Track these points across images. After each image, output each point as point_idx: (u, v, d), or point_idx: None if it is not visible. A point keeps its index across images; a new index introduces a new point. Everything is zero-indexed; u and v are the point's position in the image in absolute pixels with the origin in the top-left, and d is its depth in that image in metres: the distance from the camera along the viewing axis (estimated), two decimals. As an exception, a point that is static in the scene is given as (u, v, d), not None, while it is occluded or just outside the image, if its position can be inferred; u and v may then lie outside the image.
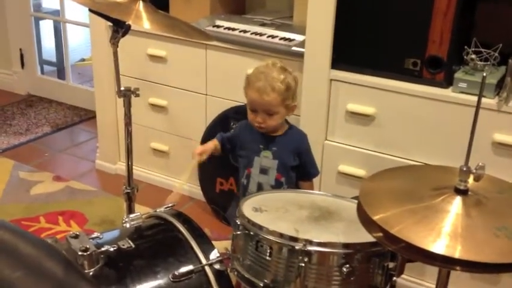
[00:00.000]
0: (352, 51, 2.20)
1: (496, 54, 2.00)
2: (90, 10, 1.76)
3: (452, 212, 1.19)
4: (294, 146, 1.91)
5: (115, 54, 1.89)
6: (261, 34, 2.51)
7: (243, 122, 1.99)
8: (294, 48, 2.37)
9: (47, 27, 4.40)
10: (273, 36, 2.48)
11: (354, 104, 2.21)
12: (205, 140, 2.69)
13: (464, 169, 1.21)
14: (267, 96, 1.80)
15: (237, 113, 2.55)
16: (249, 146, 1.93)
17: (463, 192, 1.22)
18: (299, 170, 1.93)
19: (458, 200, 1.21)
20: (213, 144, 1.99)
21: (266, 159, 1.89)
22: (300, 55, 2.30)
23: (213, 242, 1.60)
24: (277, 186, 1.88)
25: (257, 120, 1.85)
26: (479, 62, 2.03)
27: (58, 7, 4.03)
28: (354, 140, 2.25)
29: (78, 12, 4.08)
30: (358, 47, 2.19)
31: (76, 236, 1.50)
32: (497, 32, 2.11)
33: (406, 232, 1.13)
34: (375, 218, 1.19)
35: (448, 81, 2.06)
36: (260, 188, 1.88)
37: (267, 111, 1.83)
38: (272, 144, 1.89)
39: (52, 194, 2.91)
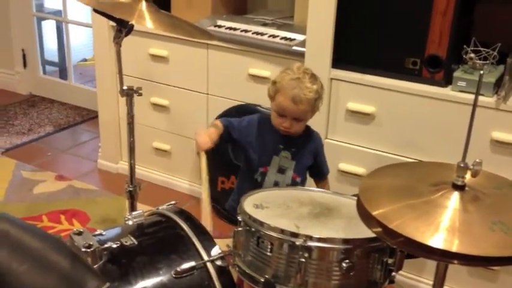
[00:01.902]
0: (352, 50, 2.22)
1: (495, 53, 2.02)
2: (95, 10, 1.78)
3: (450, 207, 1.21)
4: (312, 148, 1.95)
5: (118, 53, 1.91)
6: (262, 34, 2.53)
7: (254, 119, 1.96)
8: (294, 47, 2.39)
9: (49, 27, 4.43)
10: (274, 36, 2.50)
11: (354, 103, 2.23)
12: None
13: (462, 165, 1.23)
14: (302, 105, 1.81)
15: (238, 112, 2.57)
16: (267, 145, 1.92)
17: (460, 188, 1.24)
18: (313, 169, 1.98)
19: (455, 196, 1.23)
20: (217, 131, 1.90)
21: (285, 159, 1.91)
22: (301, 54, 2.32)
23: (215, 240, 1.62)
24: (293, 185, 1.91)
25: (285, 125, 1.86)
26: (478, 61, 2.05)
27: (60, 7, 4.06)
28: (354, 139, 2.27)
29: (80, 13, 4.11)
30: (359, 46, 2.21)
31: (79, 233, 1.52)
32: (496, 31, 2.13)
33: (405, 227, 1.15)
34: (375, 213, 1.21)
35: (447, 80, 2.08)
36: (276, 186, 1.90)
37: (296, 118, 1.85)
38: (292, 145, 1.91)
39: (54, 193, 2.93)
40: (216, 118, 2.64)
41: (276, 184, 1.91)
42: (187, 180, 2.95)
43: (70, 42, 4.08)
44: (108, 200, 2.89)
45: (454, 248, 1.10)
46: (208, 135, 1.89)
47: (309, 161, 1.95)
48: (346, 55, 2.22)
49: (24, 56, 4.22)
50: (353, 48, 2.22)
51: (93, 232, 1.59)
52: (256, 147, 1.93)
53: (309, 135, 1.95)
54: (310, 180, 2.02)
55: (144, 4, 1.83)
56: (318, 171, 2.00)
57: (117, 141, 3.14)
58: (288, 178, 1.92)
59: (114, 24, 1.88)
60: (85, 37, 4.64)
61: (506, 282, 2.08)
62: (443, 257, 1.12)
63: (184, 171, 2.94)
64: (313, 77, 1.85)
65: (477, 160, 1.23)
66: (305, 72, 1.85)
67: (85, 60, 4.77)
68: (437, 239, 1.12)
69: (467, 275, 2.14)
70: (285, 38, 2.47)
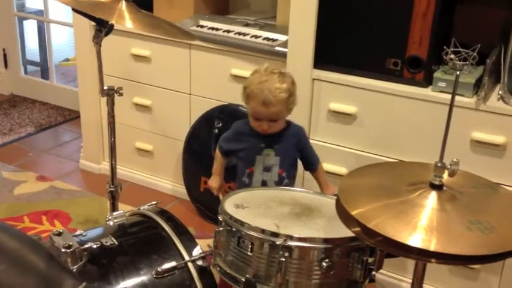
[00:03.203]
0: (334, 51, 2.23)
1: (475, 54, 2.03)
2: (74, 10, 1.77)
3: (428, 206, 1.22)
4: (295, 141, 1.96)
5: (98, 53, 1.90)
6: (244, 34, 2.53)
7: (234, 127, 2.02)
8: (277, 48, 2.40)
9: (30, 27, 4.39)
10: (256, 36, 2.50)
11: (336, 103, 2.24)
12: (189, 139, 2.71)
13: (439, 165, 1.24)
14: (274, 108, 1.83)
15: (221, 113, 2.57)
16: (250, 146, 1.95)
17: (438, 188, 1.25)
18: (303, 162, 2.01)
19: (433, 195, 1.24)
20: (219, 164, 2.05)
21: (268, 157, 1.93)
22: (283, 55, 2.33)
23: (198, 240, 1.62)
24: (280, 181, 1.92)
25: (263, 128, 1.88)
26: (458, 62, 2.06)
27: (42, 7, 4.03)
28: (336, 139, 2.28)
29: (61, 12, 4.08)
30: (340, 47, 2.22)
31: (59, 234, 1.51)
32: (475, 32, 2.15)
33: (383, 226, 1.16)
34: (353, 213, 1.22)
35: (427, 81, 2.10)
36: (264, 185, 1.91)
37: (272, 119, 1.87)
38: (274, 142, 1.92)
39: (36, 194, 2.91)
40: (199, 118, 2.65)
41: (264, 182, 1.92)
42: (170, 181, 2.94)
43: (51, 42, 4.05)
44: (90, 201, 2.87)
45: (432, 247, 1.11)
46: (214, 179, 2.06)
47: (294, 154, 1.96)
48: (328, 56, 2.23)
49: (5, 56, 4.18)
50: (335, 48, 2.23)
51: (73, 233, 1.59)
52: (241, 151, 1.97)
53: (290, 129, 1.96)
54: (298, 179, 2.04)
55: (124, 4, 1.82)
56: (308, 163, 2.02)
57: (100, 142, 3.12)
58: (274, 175, 1.92)
59: (94, 23, 1.87)
60: (67, 37, 4.61)
61: (486, 280, 2.11)
62: (421, 255, 1.14)
63: (167, 171, 2.93)
64: (282, 76, 1.86)
65: (454, 160, 1.24)
66: (272, 72, 1.86)
67: (67, 60, 4.73)
68: (415, 238, 1.13)
69: (449, 274, 2.16)
70: (267, 39, 2.47)
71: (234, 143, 1.99)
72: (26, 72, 4.30)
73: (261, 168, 1.93)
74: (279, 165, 1.92)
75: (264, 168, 1.93)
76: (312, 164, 2.03)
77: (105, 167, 3.11)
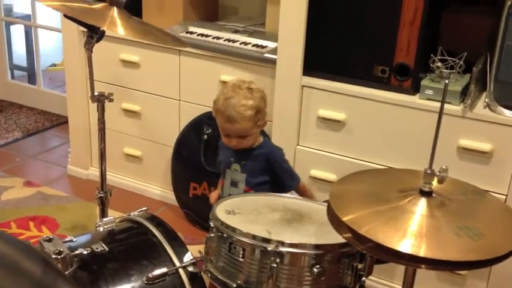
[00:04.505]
0: (323, 58, 2.25)
1: (461, 62, 2.07)
2: (66, 16, 1.77)
3: (418, 213, 1.24)
4: (263, 161, 1.91)
5: (89, 59, 1.90)
6: (233, 41, 2.54)
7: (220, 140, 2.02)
8: (266, 55, 2.41)
9: (17, 32, 4.37)
10: (245, 43, 2.52)
11: (325, 110, 2.26)
12: (178, 145, 2.71)
13: (429, 172, 1.26)
14: (239, 125, 1.83)
15: (210, 119, 2.57)
16: (223, 159, 1.97)
17: (427, 194, 1.27)
18: (277, 183, 1.93)
19: (423, 202, 1.26)
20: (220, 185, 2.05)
21: (236, 172, 1.93)
22: (272, 62, 2.34)
23: (187, 246, 1.62)
24: None
25: (232, 144, 1.89)
26: (444, 70, 2.10)
27: (29, 12, 4.01)
28: (325, 145, 2.30)
29: (49, 17, 4.06)
30: (329, 54, 2.24)
31: (49, 240, 1.51)
32: (462, 41, 2.19)
33: (374, 232, 1.18)
34: (344, 219, 1.23)
35: (415, 88, 2.12)
36: None
37: (240, 136, 1.86)
38: (242, 158, 1.92)
39: (23, 200, 2.89)
40: (188, 124, 2.65)
41: None
42: (159, 187, 2.94)
43: (39, 47, 4.03)
44: (78, 207, 2.86)
45: (422, 252, 1.13)
46: (213, 195, 2.08)
47: (258, 174, 1.91)
48: (317, 63, 2.25)
49: (-9, 61, 4.16)
50: (324, 55, 2.25)
51: (63, 239, 1.58)
52: (220, 163, 2.00)
53: (262, 148, 1.93)
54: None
55: (115, 10, 1.82)
56: (283, 186, 1.93)
57: (88, 147, 3.11)
58: (240, 191, 1.91)
59: (84, 29, 1.88)
60: (54, 42, 4.59)
61: (473, 286, 2.13)
62: (411, 261, 1.15)
63: (156, 177, 2.93)
64: (249, 91, 1.84)
65: (443, 167, 1.26)
66: (240, 88, 1.84)
67: (54, 65, 4.72)
68: (405, 244, 1.15)
69: (437, 280, 2.18)
70: (257, 45, 2.49)
71: (219, 155, 2.02)
72: (13, 77, 4.28)
73: (229, 182, 1.94)
74: (245, 183, 1.91)
75: (231, 183, 1.94)
76: (285, 186, 1.93)
77: (93, 172, 3.10)
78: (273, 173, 1.93)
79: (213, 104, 1.92)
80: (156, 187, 2.95)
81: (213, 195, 2.08)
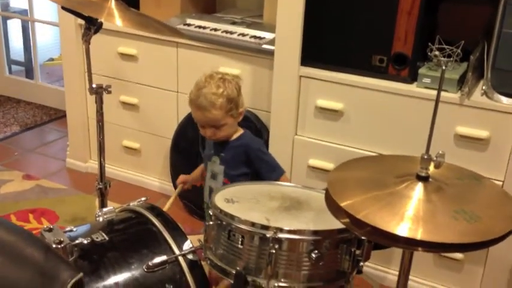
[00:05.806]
0: (321, 48, 2.26)
1: (459, 51, 2.07)
2: (63, 8, 1.77)
3: (415, 197, 1.25)
4: (241, 154, 1.92)
5: (87, 51, 1.90)
6: (231, 32, 2.54)
7: None
8: (264, 46, 2.42)
9: (14, 26, 4.36)
10: (243, 35, 2.52)
11: (323, 100, 2.27)
12: (176, 137, 2.72)
13: (425, 157, 1.27)
14: (210, 114, 1.84)
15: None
16: (205, 152, 2.01)
17: (424, 179, 1.28)
18: (257, 175, 1.92)
19: (420, 186, 1.27)
20: (199, 170, 2.10)
21: (215, 164, 1.95)
22: (270, 53, 2.35)
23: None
24: None
25: (206, 134, 1.90)
26: (442, 59, 2.10)
27: (26, 6, 4.01)
28: (323, 135, 2.31)
29: (46, 12, 4.06)
30: (327, 44, 2.25)
31: (50, 230, 1.51)
32: (459, 29, 2.19)
33: (372, 217, 1.19)
34: (342, 204, 1.24)
35: (412, 77, 2.13)
36: (211, 192, 1.86)
37: (214, 126, 1.87)
38: (221, 150, 1.93)
39: (22, 193, 2.90)
40: (186, 116, 2.66)
41: (211, 189, 1.95)
42: (158, 178, 2.95)
43: (36, 41, 4.03)
44: (77, 199, 2.87)
45: (419, 235, 1.14)
46: (186, 176, 2.18)
47: (240, 166, 1.91)
48: (315, 53, 2.26)
49: (-11, 56, 4.16)
50: (322, 46, 2.25)
51: (64, 229, 1.59)
52: (203, 156, 2.04)
53: (241, 140, 1.93)
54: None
55: (113, 2, 1.82)
56: (260, 179, 1.89)
57: (86, 140, 3.12)
58: (219, 183, 1.92)
59: (81, 22, 1.88)
60: (51, 36, 4.58)
61: (470, 271, 2.15)
62: (408, 244, 1.16)
63: (155, 169, 2.94)
64: (221, 81, 1.86)
65: (440, 152, 1.27)
66: (212, 78, 1.87)
67: (52, 59, 4.71)
68: (403, 228, 1.16)
69: (433, 266, 2.20)
70: (255, 37, 2.49)
71: (203, 148, 2.06)
72: (10, 71, 4.28)
73: (210, 174, 1.96)
74: (224, 175, 1.92)
75: (211, 175, 1.96)
76: (266, 179, 1.88)
77: (91, 165, 3.11)
78: (252, 165, 1.93)
79: (188, 97, 1.94)
80: (155, 179, 2.96)
81: (182, 176, 2.15)
